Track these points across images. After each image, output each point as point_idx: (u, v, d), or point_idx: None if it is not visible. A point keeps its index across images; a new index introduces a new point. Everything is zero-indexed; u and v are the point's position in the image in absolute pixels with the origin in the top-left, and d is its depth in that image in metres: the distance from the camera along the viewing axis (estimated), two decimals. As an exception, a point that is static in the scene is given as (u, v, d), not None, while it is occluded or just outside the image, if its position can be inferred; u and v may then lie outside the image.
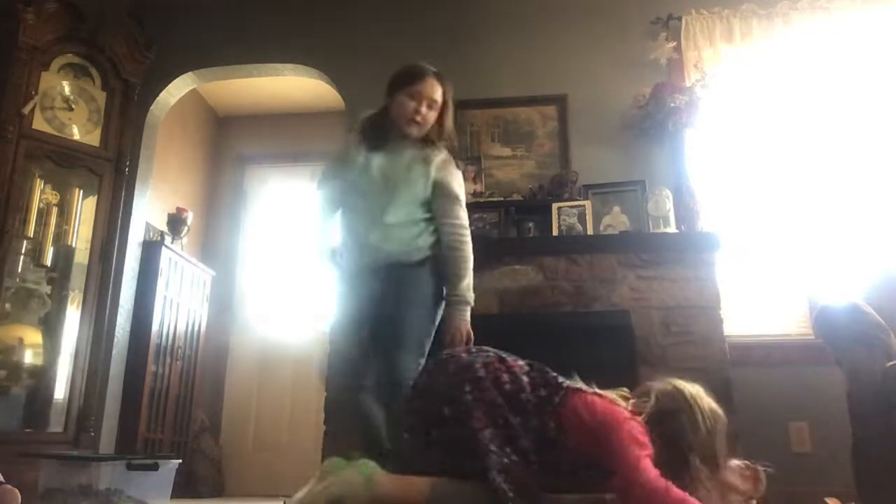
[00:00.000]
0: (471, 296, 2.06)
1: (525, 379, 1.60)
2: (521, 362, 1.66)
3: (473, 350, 1.69)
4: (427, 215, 2.12)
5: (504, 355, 1.66)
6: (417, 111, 2.08)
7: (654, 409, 1.57)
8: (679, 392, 1.60)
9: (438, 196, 2.12)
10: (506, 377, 1.58)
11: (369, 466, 1.53)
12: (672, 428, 1.54)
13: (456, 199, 2.14)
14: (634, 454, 1.46)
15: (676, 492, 1.41)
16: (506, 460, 1.45)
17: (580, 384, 1.63)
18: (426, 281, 2.06)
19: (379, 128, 2.16)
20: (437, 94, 2.11)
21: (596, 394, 1.61)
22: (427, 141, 2.16)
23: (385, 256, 2.06)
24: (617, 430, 1.50)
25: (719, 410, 1.60)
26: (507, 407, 1.53)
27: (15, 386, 3.11)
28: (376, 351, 2.01)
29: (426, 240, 2.11)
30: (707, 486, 1.50)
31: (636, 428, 1.51)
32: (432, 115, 2.12)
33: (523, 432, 1.52)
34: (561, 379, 1.63)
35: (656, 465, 1.46)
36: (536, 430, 1.54)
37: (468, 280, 2.06)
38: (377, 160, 2.13)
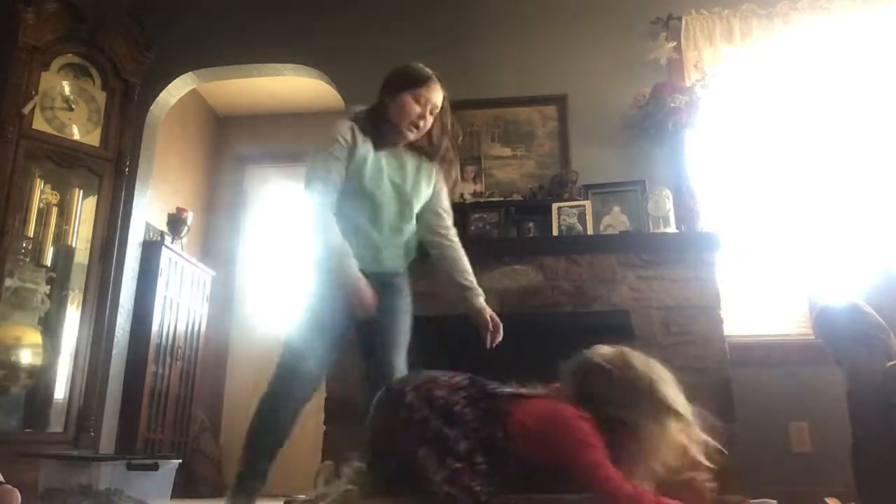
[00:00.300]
0: None
1: (461, 394, 1.57)
2: (457, 378, 1.63)
3: (408, 376, 1.71)
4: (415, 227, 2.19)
5: (437, 374, 1.64)
6: (422, 116, 2.04)
7: (574, 387, 1.54)
8: (581, 356, 1.58)
9: (437, 207, 2.18)
10: (438, 392, 1.56)
11: (350, 496, 1.56)
12: (589, 394, 1.49)
13: (450, 208, 2.23)
14: (589, 459, 1.39)
15: (648, 497, 1.35)
16: (448, 471, 1.44)
17: (519, 389, 1.59)
18: (408, 289, 2.18)
19: (375, 126, 2.08)
20: (440, 99, 2.08)
21: (539, 396, 1.57)
22: (420, 149, 2.14)
23: (386, 269, 2.10)
24: (563, 433, 1.44)
25: (637, 358, 1.54)
26: (441, 420, 1.51)
27: (14, 386, 3.11)
28: (374, 355, 2.06)
29: (413, 251, 2.21)
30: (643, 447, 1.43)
31: (584, 426, 1.43)
32: (430, 122, 2.10)
33: (461, 440, 1.49)
34: (499, 389, 1.59)
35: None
36: (482, 440, 1.51)
37: None
38: (386, 166, 2.07)
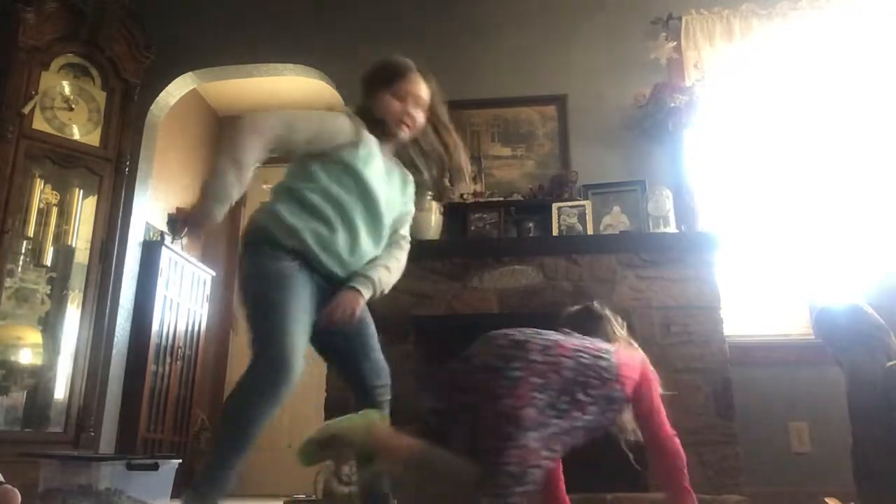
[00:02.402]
0: None
1: (586, 360, 1.56)
2: (574, 342, 1.60)
3: (526, 330, 1.62)
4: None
5: (559, 338, 1.59)
6: (406, 112, 1.88)
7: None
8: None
9: (404, 216, 1.98)
10: (568, 363, 1.53)
11: (372, 415, 1.55)
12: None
13: (408, 243, 2.00)
14: (663, 412, 1.68)
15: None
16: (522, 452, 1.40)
17: (615, 339, 1.79)
18: None
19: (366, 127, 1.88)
20: (424, 92, 1.91)
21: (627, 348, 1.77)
22: (408, 161, 1.96)
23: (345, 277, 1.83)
24: (650, 386, 1.68)
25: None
26: (561, 390, 1.49)
27: (15, 386, 3.11)
28: (355, 361, 1.86)
29: None
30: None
31: (656, 381, 1.70)
32: (421, 117, 1.91)
33: (572, 411, 1.50)
34: (604, 346, 1.67)
35: None
36: (604, 397, 1.58)
37: None
38: (377, 170, 1.86)
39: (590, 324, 1.82)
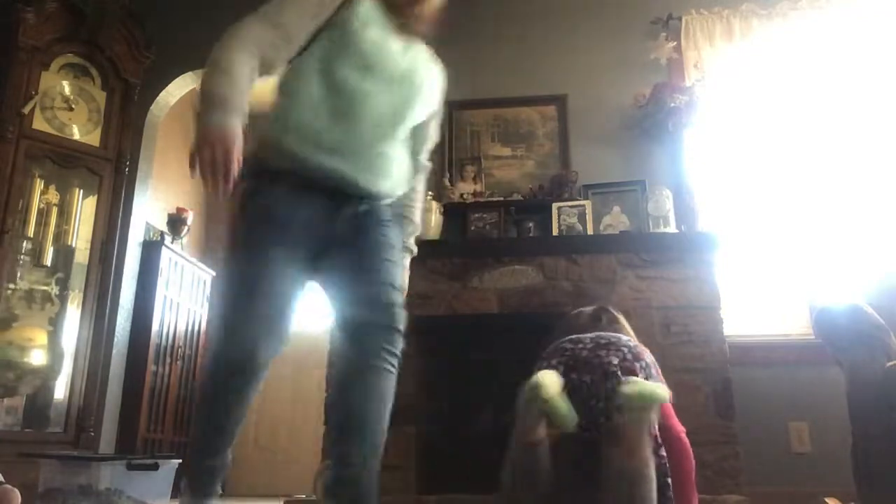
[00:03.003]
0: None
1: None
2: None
3: (622, 337, 1.67)
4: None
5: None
6: None
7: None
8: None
9: (431, 122, 1.69)
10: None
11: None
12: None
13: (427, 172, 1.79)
14: (671, 410, 1.66)
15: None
16: None
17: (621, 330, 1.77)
18: (396, 225, 1.63)
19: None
20: None
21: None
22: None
23: (368, 183, 1.49)
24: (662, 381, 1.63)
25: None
26: None
27: (24, 387, 3.12)
28: (352, 323, 1.53)
29: (406, 181, 1.64)
30: None
31: (662, 378, 1.65)
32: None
33: None
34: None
35: None
36: None
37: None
38: (383, 37, 1.51)
39: (616, 325, 1.83)
